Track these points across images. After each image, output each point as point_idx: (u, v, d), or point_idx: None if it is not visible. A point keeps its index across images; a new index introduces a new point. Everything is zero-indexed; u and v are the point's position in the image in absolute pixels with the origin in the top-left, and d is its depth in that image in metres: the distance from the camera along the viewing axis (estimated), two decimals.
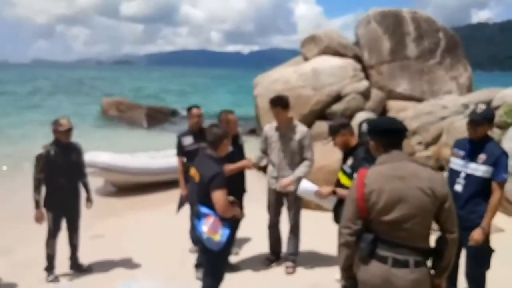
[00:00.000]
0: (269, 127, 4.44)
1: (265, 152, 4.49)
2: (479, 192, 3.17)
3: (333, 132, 3.62)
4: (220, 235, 3.07)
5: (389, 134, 2.26)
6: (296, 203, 4.39)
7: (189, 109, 4.90)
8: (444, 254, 2.22)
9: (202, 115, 4.87)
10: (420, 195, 2.11)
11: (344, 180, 3.54)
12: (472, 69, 12.96)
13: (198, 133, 4.67)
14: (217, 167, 3.11)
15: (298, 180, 4.08)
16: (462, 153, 3.33)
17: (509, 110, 6.71)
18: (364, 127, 3.87)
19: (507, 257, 3.19)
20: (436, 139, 8.78)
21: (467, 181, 3.23)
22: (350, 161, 3.51)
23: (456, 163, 3.36)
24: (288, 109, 4.24)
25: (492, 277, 3.31)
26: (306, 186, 3.73)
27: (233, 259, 4.62)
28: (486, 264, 3.23)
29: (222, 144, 3.21)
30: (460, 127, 8.08)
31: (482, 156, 3.18)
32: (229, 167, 3.89)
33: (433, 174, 2.20)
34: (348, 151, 3.58)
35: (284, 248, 4.61)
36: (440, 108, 9.32)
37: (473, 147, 3.27)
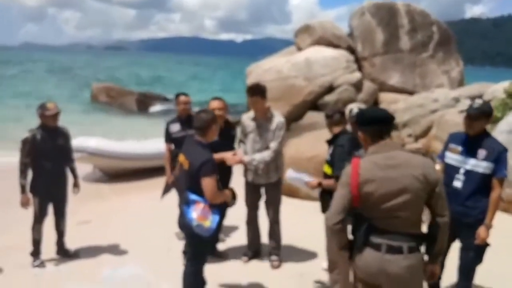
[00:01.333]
0: (246, 116, 4.29)
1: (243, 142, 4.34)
2: (480, 188, 3.13)
3: (329, 118, 3.62)
4: (210, 221, 3.07)
5: (375, 123, 2.25)
6: (276, 196, 4.28)
7: (176, 96, 4.88)
8: (437, 239, 2.26)
9: (190, 102, 4.84)
10: (414, 182, 2.14)
11: (326, 168, 3.55)
12: (463, 64, 13.02)
13: (186, 120, 4.65)
14: (206, 154, 3.08)
15: (250, 163, 4.00)
16: (460, 148, 3.25)
17: (499, 105, 6.76)
18: (349, 113, 3.86)
19: (496, 251, 3.22)
20: (426, 132, 8.84)
21: (467, 177, 3.17)
22: (330, 149, 3.53)
23: (454, 158, 3.28)
24: (265, 98, 4.09)
25: (482, 270, 3.36)
26: (292, 175, 3.72)
27: (220, 246, 4.63)
28: (480, 259, 3.24)
29: (210, 129, 3.18)
30: (450, 121, 8.13)
31: (482, 152, 3.12)
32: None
33: (425, 160, 2.25)
34: (331, 140, 3.58)
35: (264, 242, 4.49)
36: (431, 101, 9.36)
37: (470, 142, 3.20)
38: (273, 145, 4.09)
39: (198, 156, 3.07)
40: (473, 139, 3.19)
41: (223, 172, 3.79)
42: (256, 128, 4.13)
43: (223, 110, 4.22)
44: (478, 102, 3.19)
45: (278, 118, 4.15)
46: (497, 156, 3.08)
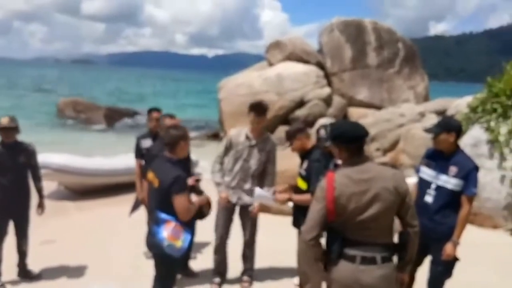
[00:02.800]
0: (237, 133, 4.06)
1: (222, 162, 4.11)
2: (449, 204, 3.17)
3: (290, 137, 3.66)
4: (182, 240, 2.98)
5: (353, 141, 2.26)
6: (255, 217, 4.13)
7: (149, 112, 4.81)
8: (407, 248, 2.31)
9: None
10: (387, 195, 2.18)
11: (300, 183, 3.55)
12: (428, 79, 13.47)
13: (157, 136, 4.58)
14: (176, 171, 3.01)
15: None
16: (433, 163, 3.30)
17: (463, 119, 6.98)
18: (322, 132, 3.91)
19: (462, 262, 3.28)
20: (393, 146, 9.04)
21: (438, 193, 3.21)
22: (305, 164, 3.53)
23: (427, 173, 3.32)
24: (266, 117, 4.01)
25: (449, 280, 3.41)
26: (261, 193, 3.69)
27: (191, 263, 4.53)
28: (449, 273, 3.29)
29: (178, 145, 3.10)
30: (416, 135, 8.34)
31: (453, 169, 3.16)
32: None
33: (395, 172, 2.31)
34: (304, 155, 3.60)
35: (234, 265, 4.33)
36: (398, 115, 9.61)
37: (443, 158, 3.24)
38: (272, 169, 4.07)
39: (167, 174, 2.99)
40: (446, 155, 3.23)
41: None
42: (249, 147, 3.98)
43: (159, 120, 4.23)
44: (439, 119, 3.27)
45: (272, 139, 4.12)
46: (467, 173, 3.13)
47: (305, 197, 3.42)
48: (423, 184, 3.35)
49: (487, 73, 6.98)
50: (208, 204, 3.32)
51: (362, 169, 2.22)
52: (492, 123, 6.21)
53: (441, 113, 9.98)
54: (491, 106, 6.36)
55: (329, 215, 2.20)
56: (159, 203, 3.04)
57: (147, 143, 4.64)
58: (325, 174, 2.72)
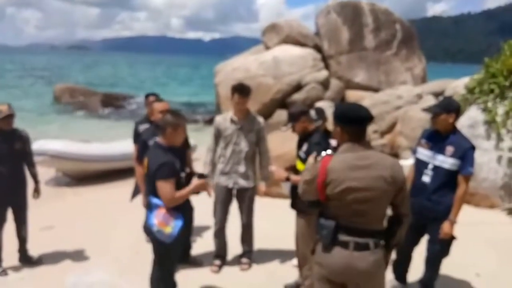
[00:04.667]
0: (222, 118, 4.09)
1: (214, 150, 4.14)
2: (446, 183, 3.21)
3: (293, 119, 3.62)
4: (172, 227, 2.97)
5: (357, 123, 2.23)
6: (253, 200, 4.20)
7: (146, 97, 4.79)
8: (396, 234, 2.33)
9: None
10: (383, 183, 2.18)
11: (299, 166, 3.55)
12: (426, 61, 13.41)
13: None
14: (164, 157, 2.98)
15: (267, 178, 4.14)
16: (430, 143, 3.33)
17: (460, 100, 6.97)
18: (313, 113, 3.88)
19: (458, 242, 3.33)
20: (391, 128, 9.04)
21: (435, 173, 3.25)
22: (305, 147, 3.53)
23: (424, 154, 3.36)
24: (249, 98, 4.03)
25: (444, 260, 3.46)
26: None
27: (192, 251, 4.55)
28: (447, 252, 3.34)
29: (166, 131, 3.06)
30: (414, 117, 8.34)
31: (450, 149, 3.19)
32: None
33: (394, 161, 2.29)
34: (303, 137, 3.59)
35: (234, 248, 4.39)
36: (396, 98, 9.59)
37: (440, 138, 3.28)
38: (265, 147, 4.12)
39: (155, 159, 2.99)
40: (443, 135, 3.26)
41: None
42: (237, 130, 4.00)
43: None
44: (440, 98, 3.29)
45: (259, 118, 4.14)
46: (464, 153, 3.16)
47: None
48: (420, 165, 3.37)
49: (485, 54, 6.95)
50: (204, 190, 3.27)
51: (361, 155, 2.21)
52: (489, 104, 6.20)
53: (438, 94, 9.97)
54: (488, 87, 6.34)
55: (320, 196, 2.23)
56: (150, 188, 3.05)
57: (145, 128, 4.63)
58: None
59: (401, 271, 3.71)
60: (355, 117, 2.23)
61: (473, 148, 3.22)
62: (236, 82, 4.15)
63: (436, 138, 3.31)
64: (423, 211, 3.27)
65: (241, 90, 3.94)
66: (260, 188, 4.18)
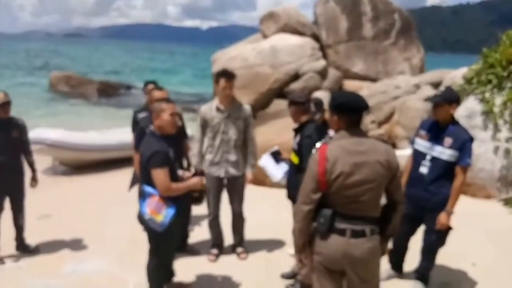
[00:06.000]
0: (208, 108, 4.00)
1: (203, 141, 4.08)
2: (443, 175, 3.21)
3: (290, 104, 3.57)
4: (163, 215, 2.96)
5: (354, 112, 2.25)
6: (243, 188, 4.17)
7: (145, 85, 4.74)
8: (392, 221, 2.36)
9: None
10: (379, 168, 2.20)
11: (293, 157, 3.54)
12: (424, 51, 13.36)
13: None
14: (156, 145, 2.96)
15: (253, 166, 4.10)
16: (428, 134, 3.31)
17: (458, 91, 6.96)
18: (312, 106, 3.86)
19: (454, 231, 3.35)
20: (388, 118, 9.04)
21: (433, 164, 3.25)
22: (297, 138, 3.52)
23: (422, 144, 3.34)
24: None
25: (444, 251, 3.49)
26: (268, 161, 3.72)
27: (189, 240, 4.56)
28: (443, 242, 3.36)
29: (157, 117, 3.04)
30: (411, 107, 8.34)
31: (448, 140, 3.19)
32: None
33: (387, 147, 2.32)
34: (297, 129, 3.57)
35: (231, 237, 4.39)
36: (393, 88, 9.57)
37: (439, 129, 3.27)
38: (251, 134, 4.08)
39: (147, 148, 2.98)
40: (441, 126, 3.25)
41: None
42: (224, 119, 3.94)
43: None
44: (441, 88, 3.27)
45: (245, 105, 4.10)
46: (462, 144, 3.16)
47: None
48: (418, 156, 3.37)
49: (483, 44, 6.93)
50: (200, 188, 3.27)
51: (357, 141, 2.23)
52: (487, 94, 6.20)
53: (436, 85, 9.95)
54: (486, 77, 6.33)
55: (320, 186, 2.22)
56: (144, 177, 3.04)
57: (143, 116, 4.59)
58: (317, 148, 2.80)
59: (397, 260, 3.74)
60: (352, 106, 2.25)
61: (471, 139, 3.22)
62: (220, 69, 4.09)
63: (435, 129, 3.30)
64: (420, 201, 3.29)
65: (227, 74, 3.88)
66: (247, 175, 4.12)
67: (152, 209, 2.94)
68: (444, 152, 3.20)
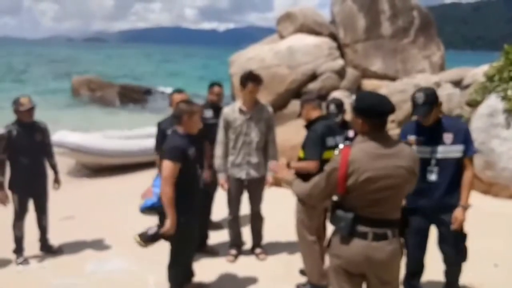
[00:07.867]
0: (230, 109, 4.00)
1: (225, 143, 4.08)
2: (454, 174, 2.99)
3: (300, 105, 3.69)
4: (144, 201, 3.33)
5: (379, 116, 2.20)
6: (262, 189, 4.18)
7: (171, 95, 4.73)
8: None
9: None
10: (402, 173, 2.18)
11: (300, 153, 3.53)
12: (444, 48, 13.12)
13: None
14: (178, 141, 3.13)
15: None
16: (421, 138, 3.04)
17: (479, 88, 6.83)
18: (332, 108, 3.89)
19: (479, 233, 3.23)
20: (408, 117, 8.90)
21: (440, 167, 2.99)
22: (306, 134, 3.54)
23: (420, 151, 2.98)
24: None
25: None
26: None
27: (210, 242, 4.59)
28: (465, 256, 3.14)
29: (182, 120, 3.18)
30: None
31: (448, 136, 2.96)
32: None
33: (411, 151, 2.30)
34: (307, 125, 3.57)
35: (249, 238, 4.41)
36: (413, 86, 9.40)
37: (431, 129, 3.01)
38: (273, 137, 4.09)
39: (169, 143, 3.16)
40: (431, 125, 3.01)
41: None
42: (246, 121, 3.95)
43: None
44: (419, 95, 2.95)
45: (268, 107, 4.12)
46: (465, 135, 2.98)
47: (302, 164, 3.40)
48: (421, 164, 3.08)
49: (505, 41, 6.78)
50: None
51: (382, 145, 2.19)
52: (509, 92, 6.05)
53: (457, 82, 9.76)
54: (508, 74, 6.19)
55: (339, 189, 2.21)
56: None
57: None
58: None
59: (414, 283, 3.35)
60: (377, 110, 2.19)
61: (468, 126, 3.11)
62: (246, 72, 4.04)
63: (425, 131, 3.02)
64: (432, 213, 3.06)
65: (256, 79, 3.90)
66: (267, 179, 4.12)
67: (142, 194, 3.33)
68: (450, 150, 2.97)
